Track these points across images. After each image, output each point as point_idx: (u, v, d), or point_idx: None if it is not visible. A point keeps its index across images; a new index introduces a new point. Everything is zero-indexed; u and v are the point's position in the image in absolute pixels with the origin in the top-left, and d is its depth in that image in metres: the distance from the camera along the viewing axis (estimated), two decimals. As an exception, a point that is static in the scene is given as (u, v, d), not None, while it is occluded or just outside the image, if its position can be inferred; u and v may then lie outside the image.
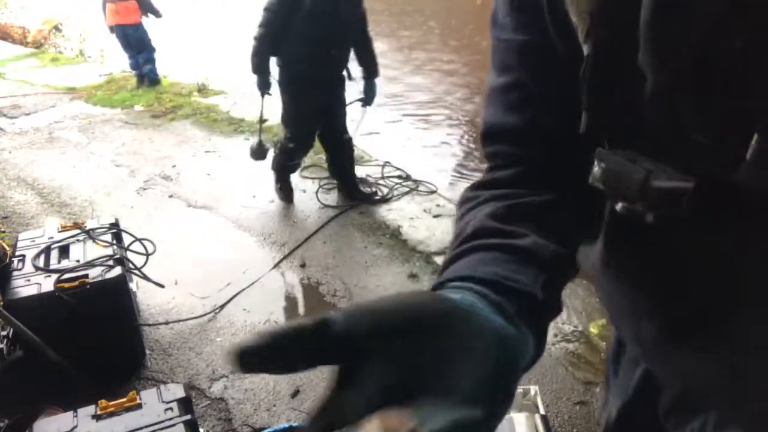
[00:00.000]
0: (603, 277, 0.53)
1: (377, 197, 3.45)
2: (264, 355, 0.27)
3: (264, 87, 3.00)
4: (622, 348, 0.65)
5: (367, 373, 0.29)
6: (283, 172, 3.37)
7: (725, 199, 0.36)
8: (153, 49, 6.01)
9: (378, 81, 3.20)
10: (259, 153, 3.31)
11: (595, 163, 0.41)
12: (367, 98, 3.23)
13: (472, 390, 0.30)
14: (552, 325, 2.63)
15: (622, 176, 0.38)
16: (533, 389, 1.88)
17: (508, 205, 0.47)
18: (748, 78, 0.32)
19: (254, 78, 2.98)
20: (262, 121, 3.28)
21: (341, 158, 3.36)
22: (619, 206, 0.39)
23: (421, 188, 3.56)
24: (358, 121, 3.37)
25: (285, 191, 3.41)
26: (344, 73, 3.07)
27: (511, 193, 0.49)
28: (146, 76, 6.06)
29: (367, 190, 3.49)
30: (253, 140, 3.40)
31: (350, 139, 3.32)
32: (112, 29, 5.74)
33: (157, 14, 5.81)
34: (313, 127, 3.17)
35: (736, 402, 0.46)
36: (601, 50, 0.39)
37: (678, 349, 0.46)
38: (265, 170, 3.47)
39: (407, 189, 3.55)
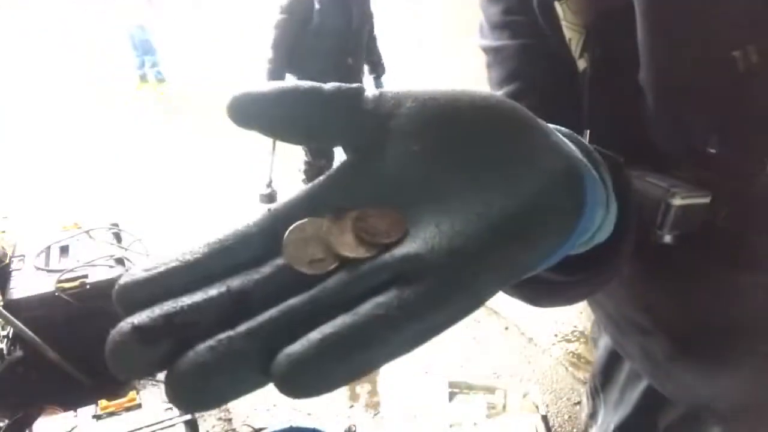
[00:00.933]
0: (603, 294, 0.50)
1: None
2: (285, 101, 0.23)
3: None
4: (615, 361, 0.63)
5: (387, 157, 0.23)
6: None
7: (740, 213, 0.35)
8: (154, 50, 6.06)
9: (385, 79, 3.20)
10: (269, 197, 3.07)
11: None
12: None
13: (505, 209, 0.21)
14: (552, 324, 2.58)
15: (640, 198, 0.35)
16: (533, 389, 1.88)
17: None
18: (764, 90, 0.31)
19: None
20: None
21: None
22: None
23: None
24: None
25: None
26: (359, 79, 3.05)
27: None
28: (155, 77, 6.18)
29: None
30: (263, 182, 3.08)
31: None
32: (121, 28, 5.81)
33: None
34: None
35: (756, 417, 0.44)
36: (600, 66, 0.37)
37: (692, 365, 0.44)
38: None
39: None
